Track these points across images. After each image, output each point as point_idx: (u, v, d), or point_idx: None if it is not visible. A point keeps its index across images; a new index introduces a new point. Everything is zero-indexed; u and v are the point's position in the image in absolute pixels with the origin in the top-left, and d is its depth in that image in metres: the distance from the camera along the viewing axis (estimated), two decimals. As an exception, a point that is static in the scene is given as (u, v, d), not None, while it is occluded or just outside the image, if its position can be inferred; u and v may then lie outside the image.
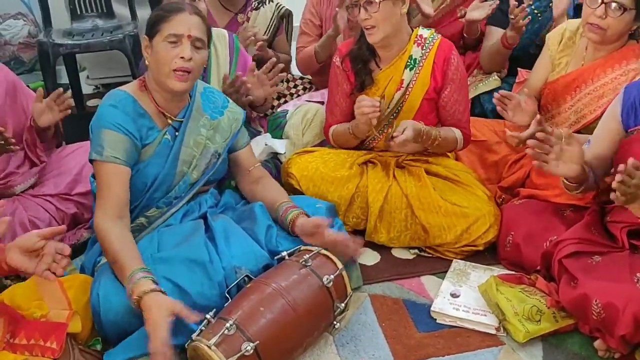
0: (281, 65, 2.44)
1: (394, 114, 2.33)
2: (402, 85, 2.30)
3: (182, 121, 1.99)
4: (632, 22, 2.15)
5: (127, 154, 1.86)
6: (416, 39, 2.29)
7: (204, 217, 2.02)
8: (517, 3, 2.62)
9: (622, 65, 2.21)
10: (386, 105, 2.18)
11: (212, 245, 1.86)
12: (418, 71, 2.29)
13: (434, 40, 2.30)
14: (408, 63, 2.29)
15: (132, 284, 1.63)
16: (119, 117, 1.86)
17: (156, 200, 1.97)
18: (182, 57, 1.84)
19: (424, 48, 2.29)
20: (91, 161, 1.89)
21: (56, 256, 1.56)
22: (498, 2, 2.80)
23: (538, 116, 2.16)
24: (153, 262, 1.78)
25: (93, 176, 1.97)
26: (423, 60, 2.29)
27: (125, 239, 1.77)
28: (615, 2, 2.09)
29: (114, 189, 1.83)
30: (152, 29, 1.88)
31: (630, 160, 1.67)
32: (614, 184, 1.68)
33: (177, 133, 1.98)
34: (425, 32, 2.31)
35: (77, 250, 2.25)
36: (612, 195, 1.72)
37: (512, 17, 2.64)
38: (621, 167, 1.66)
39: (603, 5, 2.11)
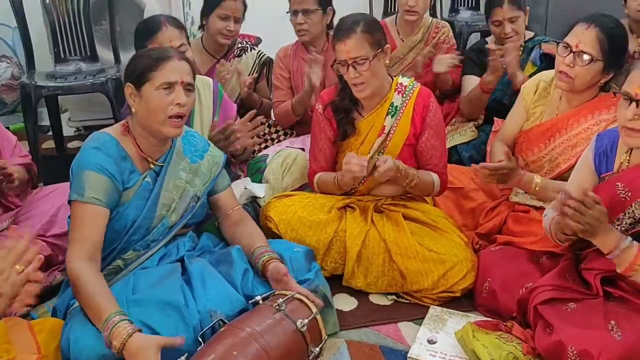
0: (259, 118, 2.45)
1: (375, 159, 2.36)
2: (384, 132, 2.35)
3: (162, 165, 1.99)
4: (600, 73, 2.22)
5: (108, 196, 1.85)
6: (397, 87, 2.35)
7: (182, 260, 2.00)
8: (495, 47, 2.73)
9: (595, 116, 2.27)
10: (372, 166, 2.22)
11: (188, 289, 1.84)
12: (399, 118, 2.34)
13: (414, 88, 2.36)
14: (389, 110, 2.34)
15: (110, 329, 1.61)
16: (102, 159, 1.86)
17: (134, 242, 1.95)
18: (178, 104, 1.87)
19: (404, 95, 2.35)
20: (69, 202, 1.88)
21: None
22: (458, 58, 3.02)
23: (506, 148, 2.21)
24: (127, 306, 1.75)
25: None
26: (403, 107, 2.34)
27: (99, 281, 1.75)
28: (583, 52, 2.17)
29: (90, 230, 1.81)
30: (141, 77, 1.88)
31: (590, 193, 1.73)
32: (568, 210, 1.73)
33: (157, 177, 1.98)
34: (405, 81, 2.38)
35: (50, 292, 2.22)
36: (567, 221, 1.76)
37: (491, 58, 2.73)
38: (574, 194, 1.72)
39: (572, 54, 2.18)
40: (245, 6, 3.00)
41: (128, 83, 1.92)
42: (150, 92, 1.87)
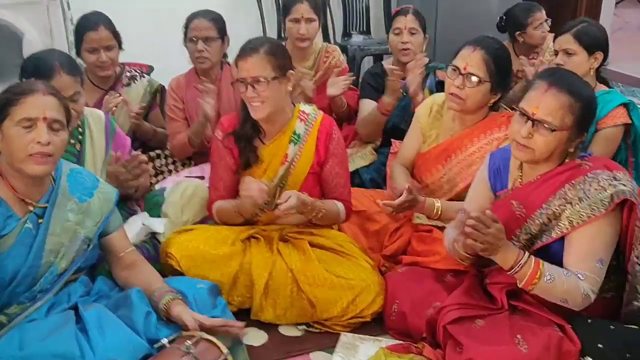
0: (144, 158, 2.35)
1: (279, 188, 2.32)
2: (287, 160, 2.32)
3: (45, 207, 1.83)
4: (489, 93, 2.31)
5: None
6: (299, 115, 2.34)
7: (75, 307, 1.85)
8: (393, 67, 2.80)
9: (487, 135, 2.36)
10: (273, 188, 2.19)
11: (84, 337, 1.70)
12: (302, 146, 2.33)
13: (317, 116, 2.35)
14: (292, 138, 2.32)
15: None
16: None
17: (18, 295, 1.77)
18: (38, 142, 1.71)
19: (307, 123, 2.34)
20: None
21: None
22: (351, 79, 3.08)
23: (407, 185, 2.25)
24: (14, 364, 1.59)
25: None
26: (307, 135, 2.33)
27: None
28: (471, 74, 2.26)
29: None
30: (1, 113, 1.73)
31: (488, 211, 1.75)
32: (467, 229, 1.74)
33: (40, 220, 1.82)
34: (307, 108, 2.37)
35: None
36: (467, 241, 1.77)
37: (390, 78, 2.78)
38: (472, 213, 1.73)
39: (461, 76, 2.26)
40: (113, 32, 2.87)
41: None
42: (9, 128, 1.72)
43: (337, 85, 3.06)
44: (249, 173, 2.34)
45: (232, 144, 2.34)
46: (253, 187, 2.13)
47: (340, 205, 2.37)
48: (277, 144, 2.33)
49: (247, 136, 2.31)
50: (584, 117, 1.84)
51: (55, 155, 1.77)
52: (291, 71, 2.27)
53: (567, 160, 1.90)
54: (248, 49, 2.21)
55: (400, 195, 2.24)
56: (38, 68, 2.20)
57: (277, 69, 2.20)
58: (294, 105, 2.36)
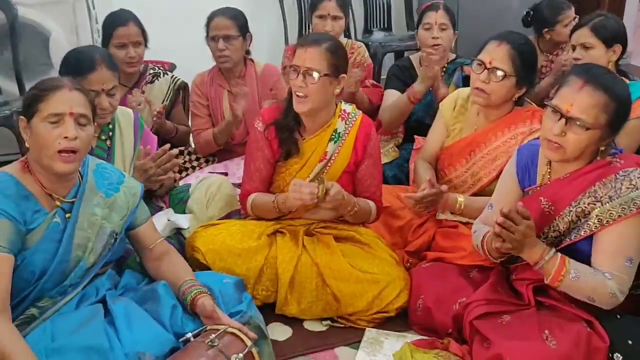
0: (175, 151, 2.37)
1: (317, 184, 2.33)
2: (325, 157, 2.33)
3: (72, 202, 1.85)
4: (514, 88, 2.29)
5: (9, 241, 1.69)
6: (340, 113, 2.34)
7: (103, 300, 1.87)
8: (429, 51, 2.81)
9: (512, 129, 2.34)
10: (322, 191, 2.16)
11: (113, 331, 1.72)
12: (341, 144, 2.33)
13: (357, 116, 2.36)
14: (332, 136, 2.32)
15: None
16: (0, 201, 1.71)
17: (49, 289, 1.80)
18: (66, 137, 1.73)
19: (347, 122, 2.34)
20: None
21: None
22: (362, 73, 3.09)
23: (429, 177, 2.23)
24: (47, 355, 1.61)
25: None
26: (346, 134, 2.33)
27: (11, 336, 1.60)
28: (497, 68, 2.24)
29: None
30: (29, 109, 1.76)
31: (520, 208, 1.73)
32: (496, 229, 1.73)
33: (67, 215, 1.84)
34: (348, 107, 2.37)
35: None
36: (495, 244, 1.77)
37: (424, 64, 2.80)
38: (504, 210, 1.72)
39: (486, 70, 2.25)
40: (142, 29, 2.90)
41: (21, 116, 1.79)
42: (37, 125, 1.74)
43: (348, 82, 3.02)
44: (287, 166, 2.35)
45: (272, 136, 2.34)
46: (305, 191, 2.13)
47: (372, 205, 2.37)
48: (317, 140, 2.33)
49: (289, 127, 2.31)
50: (618, 116, 1.79)
51: (82, 151, 1.79)
52: (344, 75, 2.27)
53: (597, 159, 1.86)
54: (311, 40, 2.24)
55: (423, 188, 2.23)
56: (80, 61, 2.23)
57: (332, 67, 2.20)
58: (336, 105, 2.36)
